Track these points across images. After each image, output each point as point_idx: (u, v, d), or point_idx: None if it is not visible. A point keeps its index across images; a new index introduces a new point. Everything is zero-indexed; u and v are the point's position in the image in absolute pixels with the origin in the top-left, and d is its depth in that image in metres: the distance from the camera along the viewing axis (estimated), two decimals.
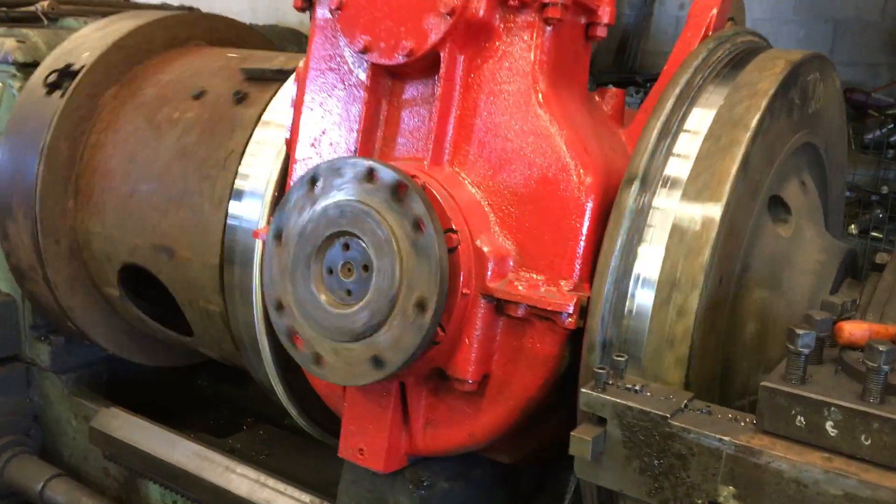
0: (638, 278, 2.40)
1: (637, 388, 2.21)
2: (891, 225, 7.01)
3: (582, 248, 2.46)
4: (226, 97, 3.70)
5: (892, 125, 7.18)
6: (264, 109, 3.49)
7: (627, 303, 2.41)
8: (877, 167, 7.06)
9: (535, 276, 2.51)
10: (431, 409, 2.71)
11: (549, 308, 2.39)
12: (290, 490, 3.38)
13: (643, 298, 2.39)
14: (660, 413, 2.09)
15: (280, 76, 3.57)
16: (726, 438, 2.00)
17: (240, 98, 3.62)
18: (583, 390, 2.20)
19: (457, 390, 2.60)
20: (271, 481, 3.44)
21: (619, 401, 2.15)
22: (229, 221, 3.37)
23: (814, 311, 2.14)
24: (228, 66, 3.90)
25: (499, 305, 2.52)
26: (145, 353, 4.60)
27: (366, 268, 2.45)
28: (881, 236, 6.92)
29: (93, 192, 3.94)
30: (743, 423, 2.07)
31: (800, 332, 1.97)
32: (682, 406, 2.14)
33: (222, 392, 5.15)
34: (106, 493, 4.37)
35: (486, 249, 2.50)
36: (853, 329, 2.10)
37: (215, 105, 3.71)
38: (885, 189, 6.87)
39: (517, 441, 2.79)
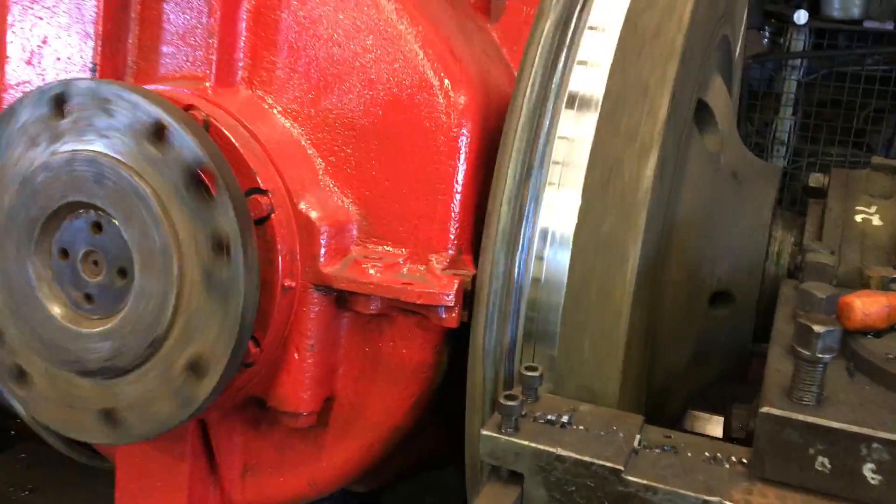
0: (546, 235, 1.62)
1: (564, 418, 1.46)
2: None
3: (458, 203, 1.65)
4: None
5: None
6: None
7: (533, 268, 1.63)
8: None
9: (391, 249, 1.67)
10: (251, 452, 1.86)
11: (417, 301, 1.57)
12: None
13: (557, 260, 1.62)
14: (608, 465, 1.35)
15: None
16: (713, 499, 1.30)
17: None
18: (485, 433, 1.42)
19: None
20: None
21: (542, 447, 1.39)
22: None
23: (810, 283, 1.45)
24: None
25: (341, 298, 1.67)
26: None
27: (122, 272, 1.53)
28: None
29: None
30: (728, 466, 1.38)
31: (819, 328, 1.26)
32: (636, 445, 1.41)
33: None
34: None
35: (314, 215, 1.63)
36: (868, 306, 1.44)
37: None
38: None
39: (379, 469, 1.99)
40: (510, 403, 1.41)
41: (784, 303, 1.68)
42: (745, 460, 1.38)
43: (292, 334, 1.66)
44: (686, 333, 2.03)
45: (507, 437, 1.42)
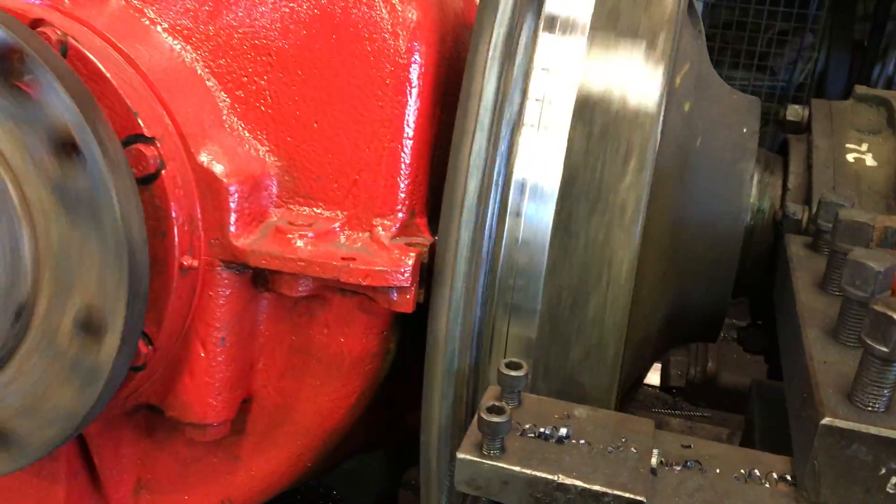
0: (523, 187, 1.28)
1: (561, 431, 1.14)
2: None
3: (410, 151, 1.27)
4: None
5: None
6: None
7: (509, 227, 1.29)
8: None
9: (324, 212, 1.29)
10: (146, 465, 1.47)
11: (363, 282, 1.20)
12: None
13: (538, 216, 1.30)
14: (626, 495, 1.05)
15: None
16: None
17: None
18: (463, 457, 1.09)
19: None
20: None
21: (539, 474, 1.07)
22: None
23: (861, 251, 1.16)
24: None
25: (259, 276, 1.29)
26: None
27: None
28: None
29: None
30: (769, 486, 1.10)
31: None
32: (656, 462, 1.11)
33: None
34: None
35: (219, 170, 1.23)
36: None
37: None
38: None
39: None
40: (496, 420, 1.08)
41: (799, 266, 1.41)
42: (788, 477, 1.11)
43: (196, 326, 1.27)
44: (662, 294, 1.75)
45: (491, 462, 1.09)
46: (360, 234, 1.27)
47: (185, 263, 1.21)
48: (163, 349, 1.26)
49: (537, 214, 1.29)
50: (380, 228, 1.27)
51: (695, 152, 1.69)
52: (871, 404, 1.03)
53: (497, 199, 1.28)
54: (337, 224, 1.27)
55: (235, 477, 1.44)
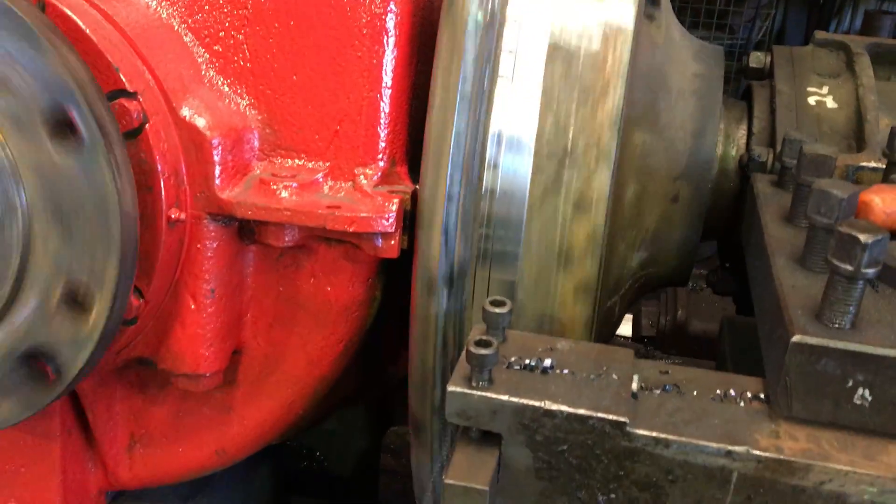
0: (500, 139, 1.32)
1: (546, 362, 1.19)
2: None
3: (389, 100, 1.30)
4: None
5: None
6: None
7: (488, 178, 1.33)
8: None
9: (306, 163, 1.31)
10: (139, 420, 1.50)
11: (349, 229, 1.23)
12: None
13: (515, 167, 1.34)
14: (610, 417, 1.10)
15: None
16: (739, 449, 1.08)
17: None
18: (453, 389, 1.14)
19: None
20: None
21: (526, 402, 1.12)
22: None
23: (823, 180, 1.22)
24: None
25: (245, 228, 1.31)
26: None
27: None
28: None
29: None
30: (743, 404, 1.16)
31: (865, 237, 1.04)
32: (637, 387, 1.16)
33: None
34: None
35: (201, 123, 1.25)
36: (889, 204, 1.23)
37: None
38: None
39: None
40: (484, 352, 1.12)
41: (766, 202, 1.47)
42: (761, 395, 1.17)
43: (185, 278, 1.29)
44: (633, 238, 1.80)
45: (480, 393, 1.14)
46: (343, 184, 1.30)
47: (172, 216, 1.23)
48: (153, 302, 1.28)
49: (514, 164, 1.33)
50: (362, 177, 1.30)
51: (663, 97, 1.73)
52: (837, 321, 1.09)
53: (476, 147, 1.31)
54: (320, 174, 1.30)
55: (229, 427, 1.47)
